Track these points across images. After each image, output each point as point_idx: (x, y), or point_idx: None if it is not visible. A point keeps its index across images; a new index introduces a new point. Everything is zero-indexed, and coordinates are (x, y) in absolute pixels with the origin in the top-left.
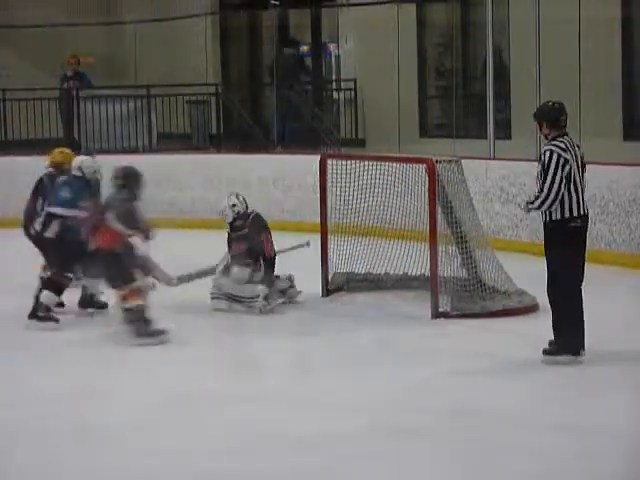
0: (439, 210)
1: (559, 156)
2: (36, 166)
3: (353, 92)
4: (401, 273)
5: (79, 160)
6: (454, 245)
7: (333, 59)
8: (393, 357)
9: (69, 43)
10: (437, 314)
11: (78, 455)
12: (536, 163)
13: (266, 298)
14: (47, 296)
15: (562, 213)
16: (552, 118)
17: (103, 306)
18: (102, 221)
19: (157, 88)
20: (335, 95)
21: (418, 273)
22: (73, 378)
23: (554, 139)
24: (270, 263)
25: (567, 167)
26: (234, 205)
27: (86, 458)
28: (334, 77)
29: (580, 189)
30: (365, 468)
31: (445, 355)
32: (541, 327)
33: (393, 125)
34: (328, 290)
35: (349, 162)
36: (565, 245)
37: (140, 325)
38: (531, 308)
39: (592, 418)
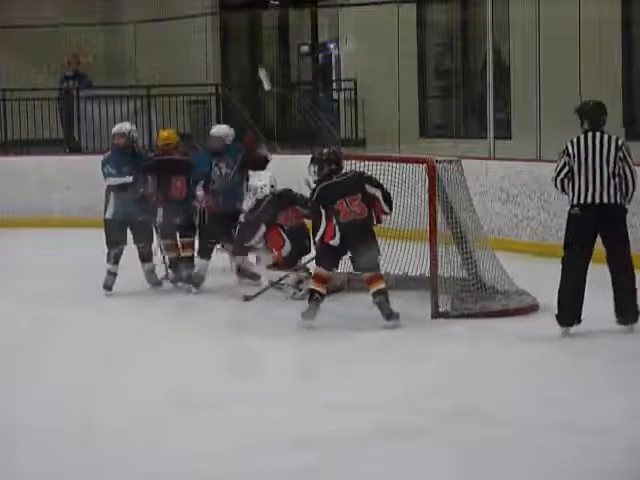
0: (439, 210)
1: (565, 148)
2: (36, 166)
3: (353, 92)
4: (401, 273)
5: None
6: (454, 245)
7: (333, 59)
8: (393, 357)
9: (69, 43)
10: (437, 314)
11: (78, 455)
12: (536, 163)
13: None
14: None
15: (568, 201)
16: (592, 116)
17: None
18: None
19: (157, 88)
20: (335, 95)
21: (418, 273)
22: (73, 377)
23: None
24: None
25: (565, 158)
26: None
27: (86, 458)
28: (334, 77)
29: (587, 181)
30: (365, 468)
31: (445, 355)
32: (541, 327)
33: (393, 125)
34: (328, 290)
35: (349, 162)
36: (567, 229)
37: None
38: (531, 308)
39: (592, 418)
